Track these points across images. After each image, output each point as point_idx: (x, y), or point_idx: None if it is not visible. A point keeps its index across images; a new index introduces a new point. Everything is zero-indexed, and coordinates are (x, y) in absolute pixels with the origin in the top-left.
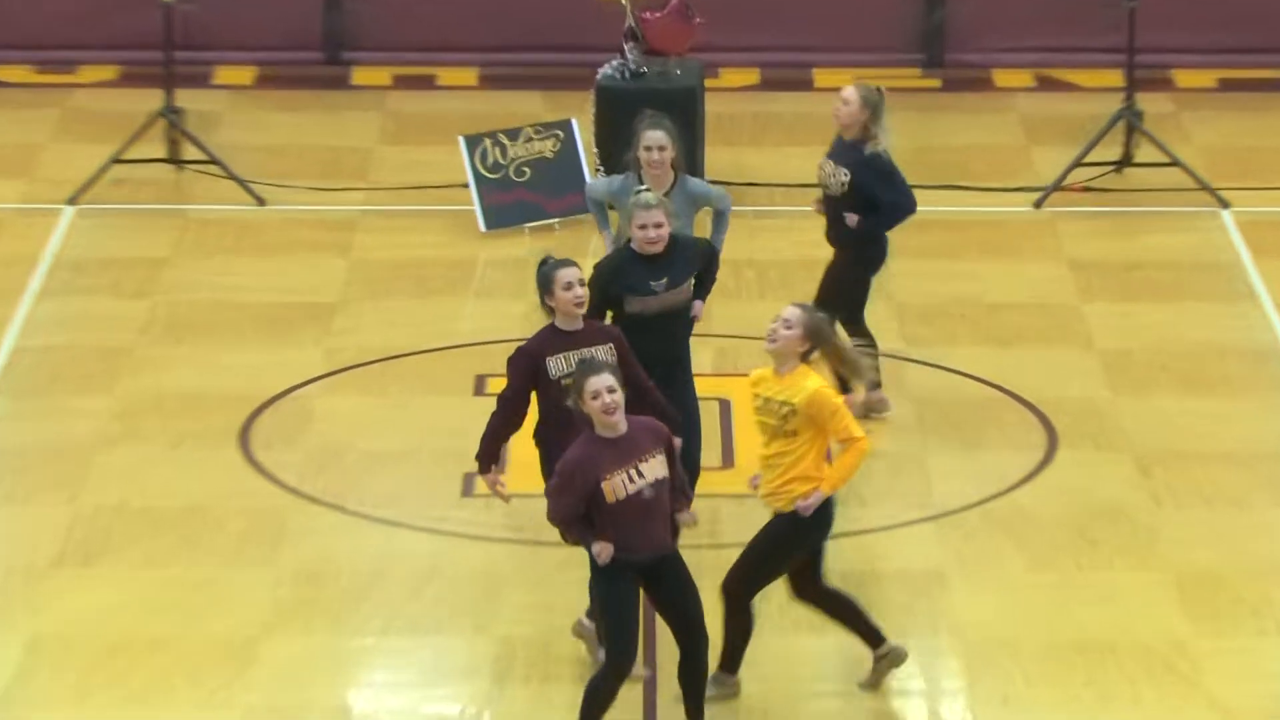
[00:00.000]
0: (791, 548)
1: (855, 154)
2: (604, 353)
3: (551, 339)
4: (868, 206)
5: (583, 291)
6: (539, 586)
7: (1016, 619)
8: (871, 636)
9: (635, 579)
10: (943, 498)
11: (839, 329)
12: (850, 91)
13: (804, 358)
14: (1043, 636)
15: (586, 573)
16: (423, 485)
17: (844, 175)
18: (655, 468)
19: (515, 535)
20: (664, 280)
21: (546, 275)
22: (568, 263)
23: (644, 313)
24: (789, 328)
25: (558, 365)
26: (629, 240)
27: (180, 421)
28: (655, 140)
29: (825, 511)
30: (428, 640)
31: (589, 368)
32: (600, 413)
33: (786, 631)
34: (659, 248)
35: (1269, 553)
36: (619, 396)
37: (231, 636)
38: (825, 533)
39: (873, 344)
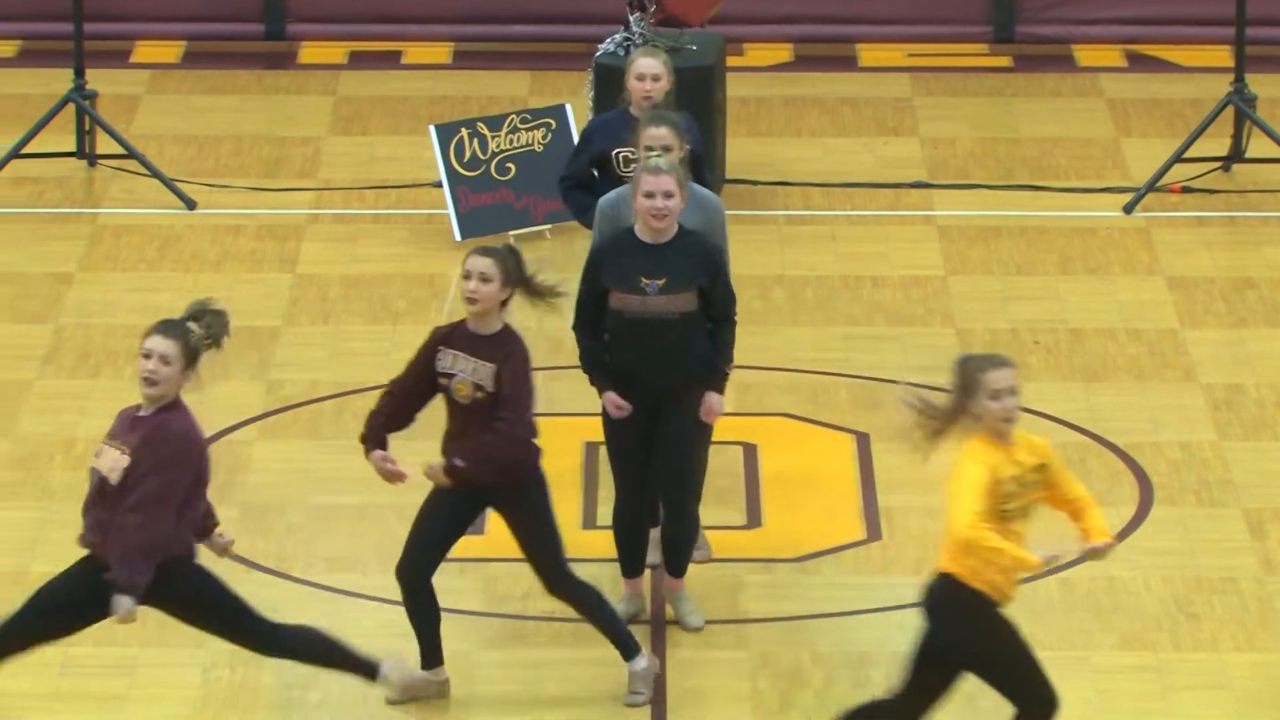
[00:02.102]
0: None
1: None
2: (482, 368)
3: (455, 330)
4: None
5: (474, 287)
6: (522, 669)
7: (1104, 712)
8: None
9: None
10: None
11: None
12: (656, 64)
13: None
14: None
15: (576, 652)
16: (383, 548)
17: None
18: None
19: (496, 608)
20: (660, 280)
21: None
22: (482, 251)
23: (624, 314)
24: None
25: (445, 361)
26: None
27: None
28: (659, 138)
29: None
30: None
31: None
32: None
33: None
34: (666, 224)
35: None
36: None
37: None
38: None
39: None
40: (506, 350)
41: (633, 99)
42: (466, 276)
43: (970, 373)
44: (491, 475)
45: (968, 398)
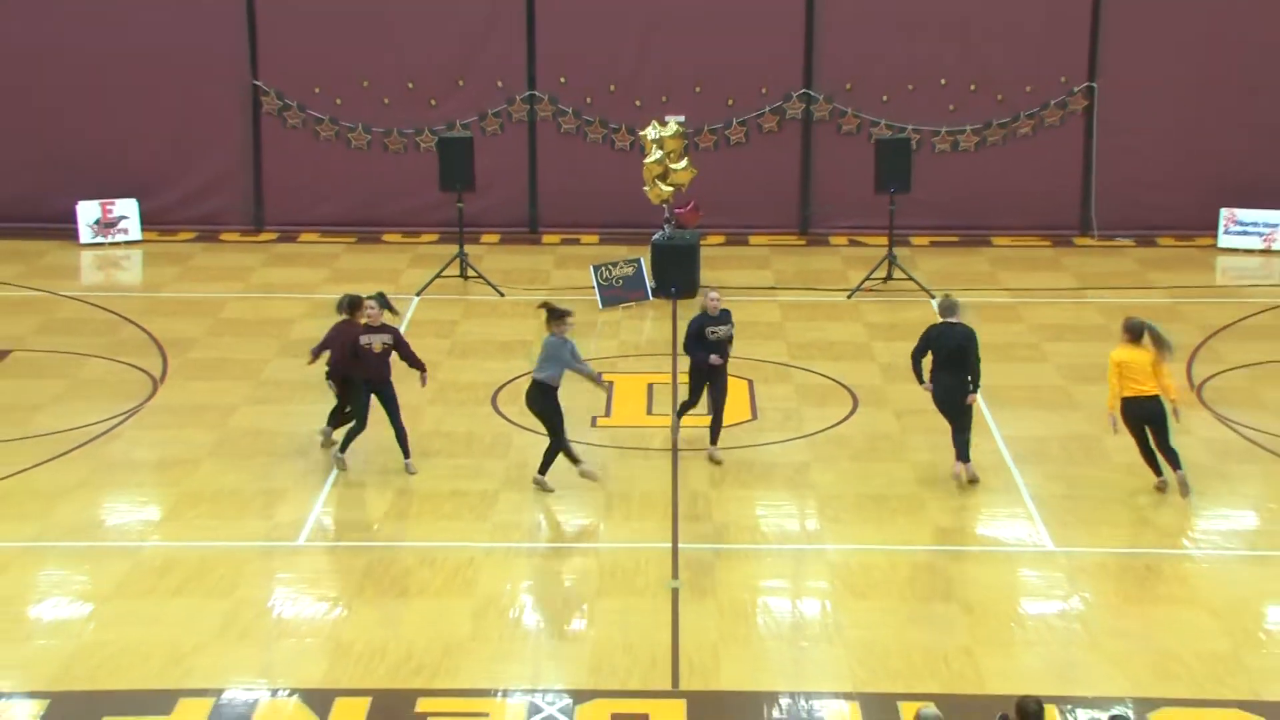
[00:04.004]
0: None
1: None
2: (383, 339)
3: (366, 327)
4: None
5: (371, 311)
6: (628, 469)
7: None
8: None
9: None
10: (813, 426)
11: None
12: (716, 294)
13: None
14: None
15: (641, 460)
16: (576, 416)
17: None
18: None
19: (614, 445)
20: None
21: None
22: (372, 295)
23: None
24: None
25: (365, 339)
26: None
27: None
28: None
29: None
30: (571, 492)
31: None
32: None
33: None
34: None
35: None
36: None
37: None
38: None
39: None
40: (389, 331)
41: (707, 307)
42: (370, 306)
43: (1160, 336)
44: (388, 375)
45: (1160, 348)
